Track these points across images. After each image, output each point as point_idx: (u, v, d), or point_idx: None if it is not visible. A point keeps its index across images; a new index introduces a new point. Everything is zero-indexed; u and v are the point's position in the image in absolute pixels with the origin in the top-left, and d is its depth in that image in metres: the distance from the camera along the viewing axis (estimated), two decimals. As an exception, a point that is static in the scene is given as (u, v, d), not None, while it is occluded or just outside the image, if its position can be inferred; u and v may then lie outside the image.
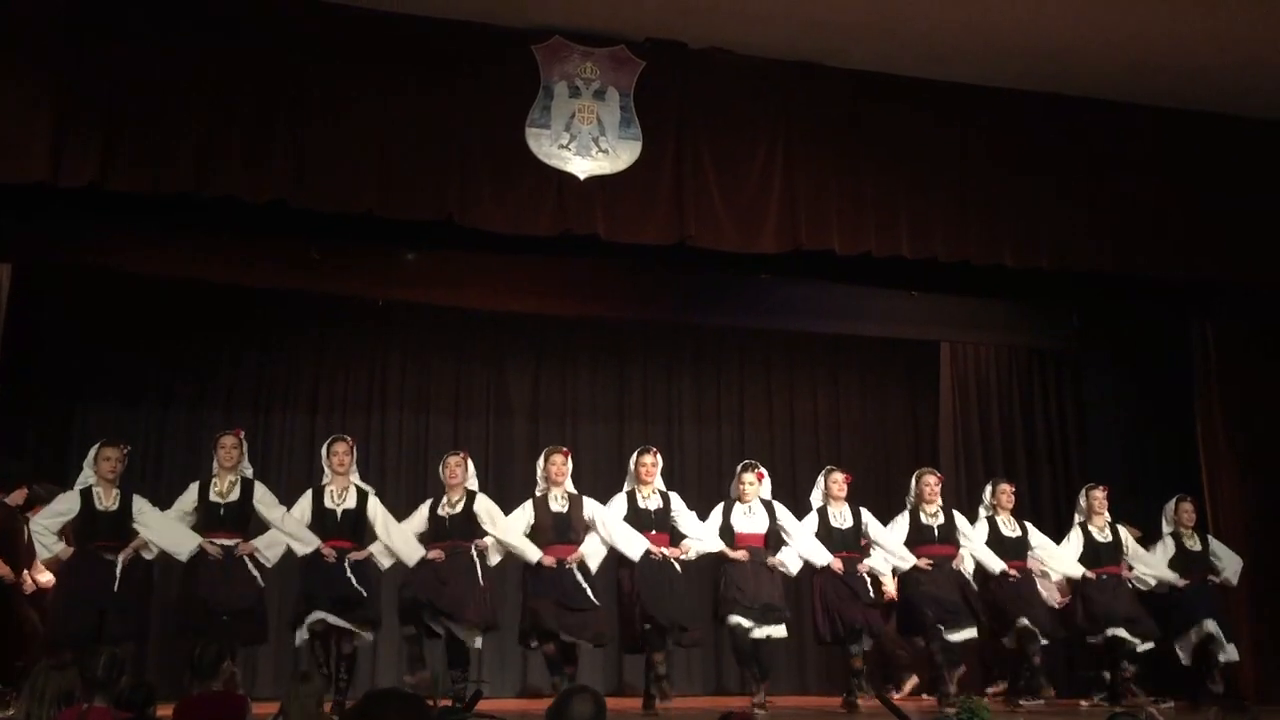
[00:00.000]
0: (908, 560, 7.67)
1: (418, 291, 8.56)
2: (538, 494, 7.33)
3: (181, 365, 9.17)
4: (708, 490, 7.98)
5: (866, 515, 7.74)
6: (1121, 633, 7.75)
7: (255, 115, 6.51)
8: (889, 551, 7.67)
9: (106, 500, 6.71)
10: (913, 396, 10.47)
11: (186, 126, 6.39)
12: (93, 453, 6.82)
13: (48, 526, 6.66)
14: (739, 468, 7.72)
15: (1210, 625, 7.84)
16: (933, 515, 7.81)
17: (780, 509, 7.60)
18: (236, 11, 6.59)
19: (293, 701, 4.19)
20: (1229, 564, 8.14)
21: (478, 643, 7.15)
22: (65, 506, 6.71)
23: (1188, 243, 7.86)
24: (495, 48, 6.91)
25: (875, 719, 6.96)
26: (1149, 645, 7.82)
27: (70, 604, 6.51)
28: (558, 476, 7.29)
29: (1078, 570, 7.91)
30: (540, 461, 7.42)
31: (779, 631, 7.37)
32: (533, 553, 7.11)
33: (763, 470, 7.68)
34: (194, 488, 6.96)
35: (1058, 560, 7.98)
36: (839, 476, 7.78)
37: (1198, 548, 8.16)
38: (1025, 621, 7.64)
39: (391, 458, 9.35)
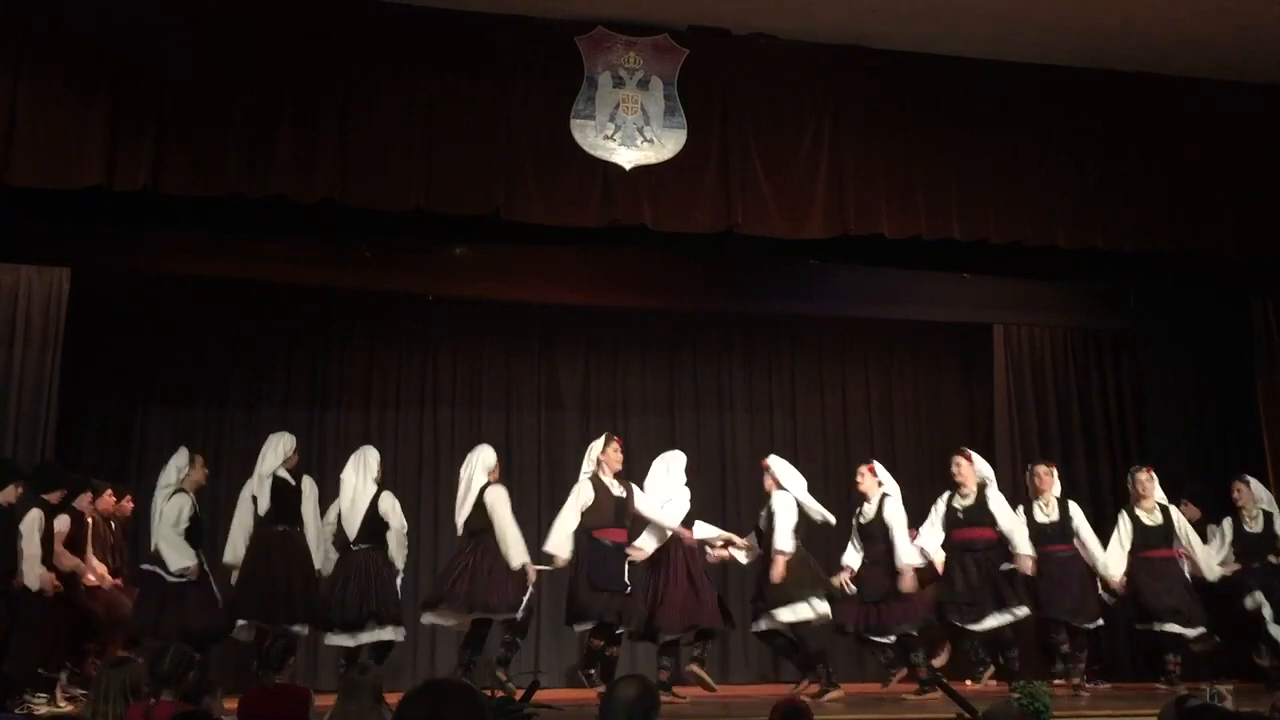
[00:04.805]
0: (935, 554, 7.67)
1: (467, 286, 8.64)
2: (591, 472, 7.38)
3: (237, 364, 9.33)
4: (760, 478, 7.92)
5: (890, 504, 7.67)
6: (1170, 627, 7.69)
7: (302, 115, 6.56)
8: (925, 544, 7.66)
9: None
10: (966, 380, 10.38)
11: (235, 128, 6.45)
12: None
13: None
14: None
15: (1258, 597, 7.74)
16: (965, 497, 7.68)
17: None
18: (281, 12, 6.64)
19: (351, 693, 4.22)
20: None
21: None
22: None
23: (1245, 220, 7.67)
24: (538, 40, 6.91)
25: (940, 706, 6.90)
26: (1199, 631, 7.72)
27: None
28: (615, 465, 7.37)
29: (1118, 571, 7.75)
30: (599, 444, 7.45)
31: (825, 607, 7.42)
32: (564, 554, 7.18)
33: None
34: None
35: (1101, 562, 7.79)
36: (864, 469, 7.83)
37: (1259, 529, 8.01)
38: (1050, 614, 7.62)
39: (445, 452, 9.38)
